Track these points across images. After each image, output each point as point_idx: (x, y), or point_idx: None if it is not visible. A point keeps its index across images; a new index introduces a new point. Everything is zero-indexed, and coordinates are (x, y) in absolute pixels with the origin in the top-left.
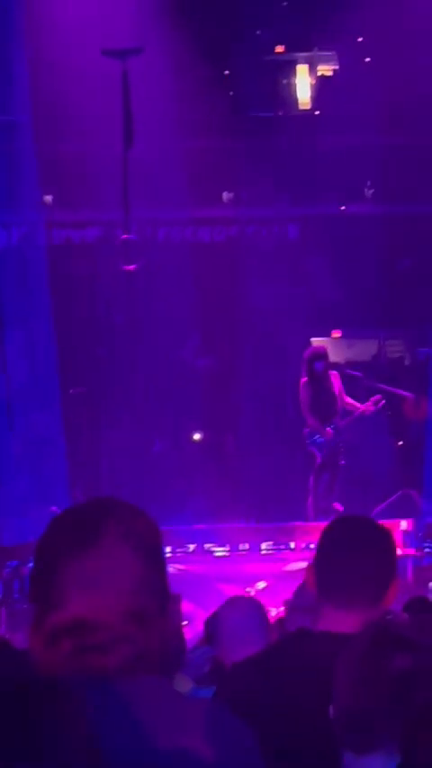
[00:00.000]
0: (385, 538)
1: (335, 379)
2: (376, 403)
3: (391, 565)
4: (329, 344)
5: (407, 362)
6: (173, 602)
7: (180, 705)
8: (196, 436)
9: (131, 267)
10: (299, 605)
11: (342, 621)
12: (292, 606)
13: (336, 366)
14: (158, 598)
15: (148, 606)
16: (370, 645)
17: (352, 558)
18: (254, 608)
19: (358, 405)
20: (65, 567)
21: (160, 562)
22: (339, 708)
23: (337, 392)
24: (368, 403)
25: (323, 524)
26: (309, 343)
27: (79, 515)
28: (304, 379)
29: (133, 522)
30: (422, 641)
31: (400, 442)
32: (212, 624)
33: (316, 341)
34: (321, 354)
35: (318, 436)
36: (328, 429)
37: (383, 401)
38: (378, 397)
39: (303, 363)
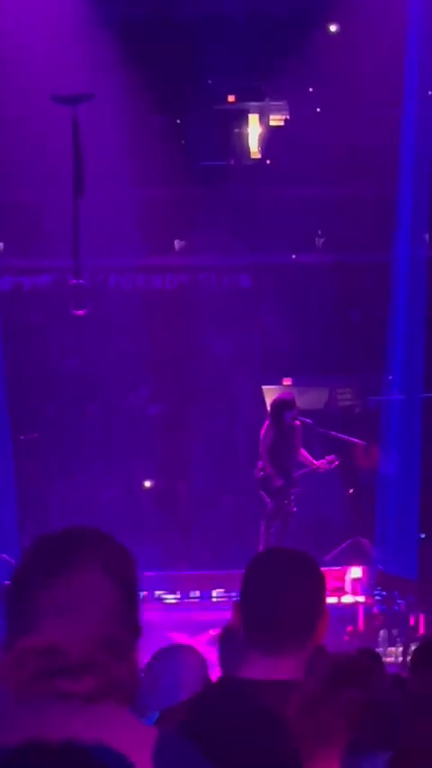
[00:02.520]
0: (310, 571)
1: (298, 430)
2: (330, 462)
3: (318, 601)
4: (279, 392)
5: (357, 410)
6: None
7: (132, 733)
8: (147, 483)
9: (81, 312)
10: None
11: (269, 668)
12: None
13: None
14: (130, 629)
15: (119, 636)
16: (323, 678)
17: (276, 598)
18: (186, 657)
19: (313, 460)
20: (40, 591)
21: (134, 594)
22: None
23: (297, 443)
24: (323, 461)
25: None
26: (260, 391)
27: (57, 542)
28: (267, 423)
29: (110, 553)
30: (375, 678)
31: (351, 490)
32: (145, 675)
33: (267, 388)
34: (291, 403)
35: (271, 483)
36: (279, 478)
37: (337, 462)
38: (332, 457)
39: (271, 410)
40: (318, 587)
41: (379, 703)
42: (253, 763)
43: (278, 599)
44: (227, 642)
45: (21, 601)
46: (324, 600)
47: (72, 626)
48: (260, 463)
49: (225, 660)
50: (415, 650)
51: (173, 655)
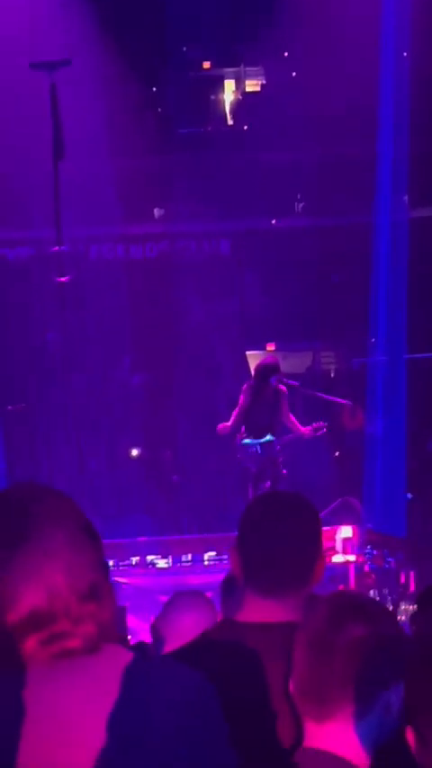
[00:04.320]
0: (308, 512)
1: (283, 396)
2: (316, 430)
3: (316, 542)
4: (263, 357)
5: (342, 373)
6: (119, 615)
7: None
8: (134, 452)
9: (65, 279)
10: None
11: (267, 610)
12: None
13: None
14: (102, 567)
15: (97, 580)
16: (327, 614)
17: (274, 538)
18: (199, 603)
19: (300, 427)
20: (7, 563)
21: (93, 533)
22: (297, 678)
23: (281, 409)
24: (309, 428)
25: None
26: (243, 357)
27: (5, 509)
28: (246, 386)
29: (59, 502)
30: (379, 610)
31: (337, 452)
32: (158, 626)
33: (250, 354)
34: (276, 367)
35: (251, 447)
36: (219, 426)
37: (324, 429)
38: (319, 424)
39: (256, 374)
40: (316, 527)
41: (386, 636)
42: (236, 705)
43: (278, 538)
44: (228, 589)
45: None
46: (321, 541)
47: (50, 587)
48: (243, 428)
49: (226, 607)
50: (421, 594)
51: (184, 599)
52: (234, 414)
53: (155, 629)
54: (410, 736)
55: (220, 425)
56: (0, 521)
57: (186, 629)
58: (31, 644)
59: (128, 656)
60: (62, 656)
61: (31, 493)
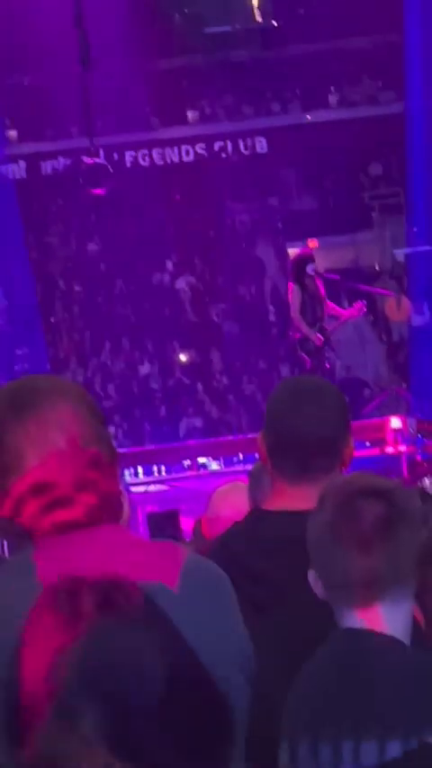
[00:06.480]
0: (332, 396)
1: (319, 283)
2: (359, 310)
3: (342, 426)
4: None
5: (385, 265)
6: (172, 517)
7: (145, 546)
8: (182, 357)
9: (100, 191)
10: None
11: (294, 497)
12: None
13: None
14: (107, 445)
15: (100, 453)
16: (342, 495)
17: (299, 422)
18: (234, 492)
19: (341, 310)
20: (13, 433)
21: (100, 415)
22: (317, 563)
23: (323, 297)
24: (352, 309)
25: None
26: (286, 255)
27: (17, 386)
28: (291, 285)
29: (65, 382)
30: (396, 490)
31: (384, 343)
32: (203, 522)
33: (293, 251)
34: (310, 257)
35: (309, 341)
36: (317, 335)
37: (365, 308)
38: (361, 303)
39: (291, 268)
40: (341, 411)
41: (406, 511)
42: (263, 594)
43: (302, 422)
44: (256, 478)
45: None
46: (349, 426)
47: (54, 455)
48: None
49: (254, 497)
50: None
51: (220, 491)
52: (294, 317)
53: (196, 525)
54: (417, 614)
55: (314, 337)
56: (10, 394)
57: (223, 519)
58: (31, 509)
59: (128, 535)
60: (64, 527)
61: (41, 375)
